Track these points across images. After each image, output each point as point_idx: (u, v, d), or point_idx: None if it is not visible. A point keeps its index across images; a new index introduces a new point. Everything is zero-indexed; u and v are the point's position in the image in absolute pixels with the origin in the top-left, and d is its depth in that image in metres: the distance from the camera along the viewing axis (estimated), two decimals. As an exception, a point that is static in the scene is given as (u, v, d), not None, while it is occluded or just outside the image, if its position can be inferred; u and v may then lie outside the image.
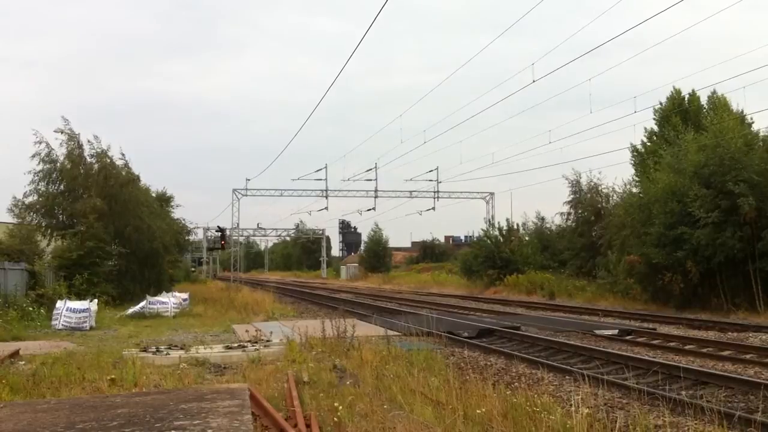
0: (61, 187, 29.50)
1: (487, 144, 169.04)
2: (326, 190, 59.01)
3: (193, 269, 77.04)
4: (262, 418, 7.24)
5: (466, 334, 16.57)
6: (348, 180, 58.84)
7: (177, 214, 44.00)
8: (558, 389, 10.29)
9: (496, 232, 43.48)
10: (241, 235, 77.41)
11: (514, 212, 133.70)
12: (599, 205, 36.60)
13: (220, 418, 5.40)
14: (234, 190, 60.82)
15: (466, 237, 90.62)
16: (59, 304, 19.38)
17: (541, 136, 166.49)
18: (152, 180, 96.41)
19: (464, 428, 6.49)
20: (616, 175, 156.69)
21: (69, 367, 10.71)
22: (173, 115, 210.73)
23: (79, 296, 22.35)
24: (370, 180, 58.57)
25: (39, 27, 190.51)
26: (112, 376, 9.86)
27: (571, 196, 38.51)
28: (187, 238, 48.10)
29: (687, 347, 14.51)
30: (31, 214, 29.17)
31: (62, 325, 18.57)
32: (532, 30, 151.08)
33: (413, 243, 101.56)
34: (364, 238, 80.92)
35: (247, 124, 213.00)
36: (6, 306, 20.33)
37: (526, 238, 44.83)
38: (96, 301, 20.93)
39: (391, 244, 78.39)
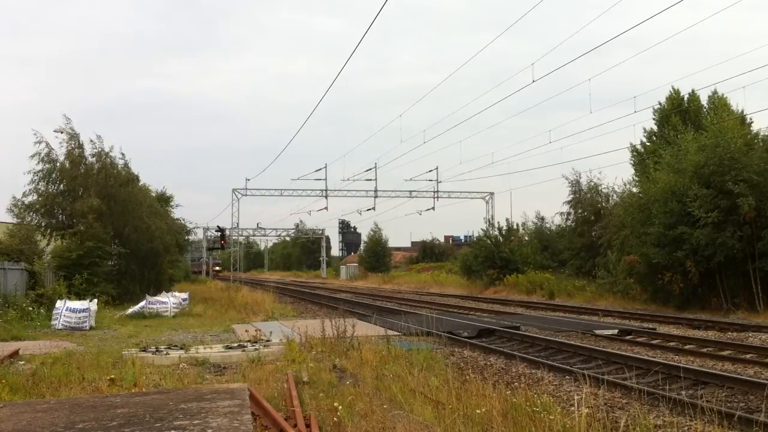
0: (61, 186, 29.49)
1: (487, 144, 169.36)
2: (326, 190, 59.04)
3: (217, 268, 76.21)
4: (262, 418, 7.23)
5: (465, 334, 16.57)
6: (348, 180, 58.94)
7: (177, 214, 44.08)
8: (558, 389, 10.29)
9: (496, 232, 43.45)
10: (241, 235, 77.41)
11: (514, 212, 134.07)
12: (599, 205, 36.58)
13: (220, 418, 5.39)
14: (234, 190, 60.86)
15: (465, 237, 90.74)
16: (59, 303, 19.38)
17: (541, 136, 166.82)
18: (152, 180, 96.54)
19: (464, 428, 6.48)
20: (616, 175, 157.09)
21: (69, 367, 10.71)
22: (173, 115, 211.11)
23: (79, 296, 22.36)
24: (370, 180, 58.64)
25: (39, 26, 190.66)
26: (112, 376, 9.85)
27: (571, 196, 38.50)
28: (186, 238, 48.07)
29: (687, 347, 14.51)
30: (31, 213, 29.15)
31: (62, 324, 18.56)
32: (533, 30, 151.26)
33: (413, 243, 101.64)
34: (364, 238, 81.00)
35: (247, 124, 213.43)
36: (6, 306, 20.34)
37: (526, 238, 44.81)
38: (96, 301, 20.92)
39: (391, 244, 78.50)
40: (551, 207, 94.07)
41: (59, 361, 11.45)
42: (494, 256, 41.00)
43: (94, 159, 30.36)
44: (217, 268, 78.27)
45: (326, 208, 60.56)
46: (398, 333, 15.84)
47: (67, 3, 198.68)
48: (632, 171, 37.69)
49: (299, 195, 62.16)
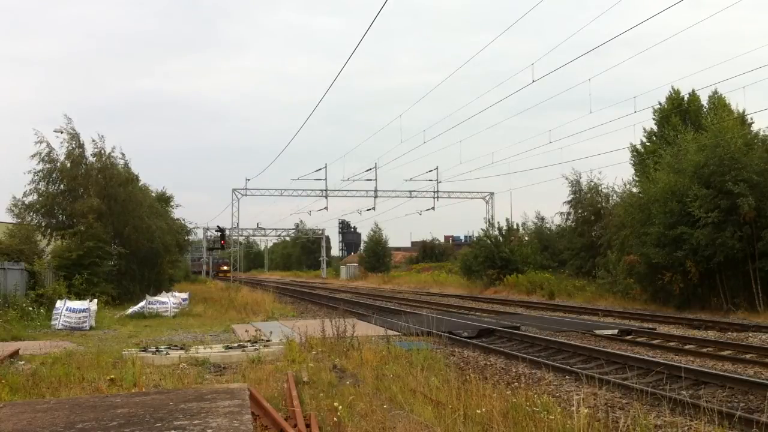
0: (61, 186, 29.48)
1: (487, 144, 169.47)
2: (326, 190, 59.08)
3: (225, 268, 75.53)
4: (262, 418, 7.23)
5: (466, 334, 16.56)
6: (348, 180, 59.05)
7: (177, 214, 44.06)
8: (558, 389, 10.29)
9: (496, 232, 43.46)
10: (241, 235, 77.40)
11: (514, 212, 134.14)
12: (599, 205, 36.57)
13: (220, 418, 5.39)
14: (234, 190, 60.91)
15: (465, 237, 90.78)
16: (59, 303, 19.38)
17: (541, 136, 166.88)
18: (152, 180, 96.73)
19: (464, 428, 6.48)
20: (616, 175, 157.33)
21: (68, 367, 10.71)
22: (173, 114, 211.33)
23: (79, 296, 22.35)
24: (370, 180, 58.72)
25: (39, 26, 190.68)
26: (112, 376, 9.85)
27: (571, 196, 38.47)
28: (186, 238, 48.07)
29: (687, 347, 14.51)
30: (31, 213, 29.14)
31: (62, 324, 18.56)
32: (533, 30, 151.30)
33: (413, 243, 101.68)
34: (364, 238, 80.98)
35: (247, 124, 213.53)
36: (6, 306, 20.33)
37: (526, 238, 44.79)
38: (96, 301, 20.92)
39: (391, 244, 78.50)
40: (551, 207, 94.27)
41: (59, 361, 11.45)
42: (494, 256, 41.00)
43: (94, 159, 30.38)
44: (225, 267, 77.52)
45: (326, 208, 60.68)
46: (398, 333, 15.83)
47: (67, 3, 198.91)
48: (632, 171, 37.71)
49: (299, 195, 62.25)
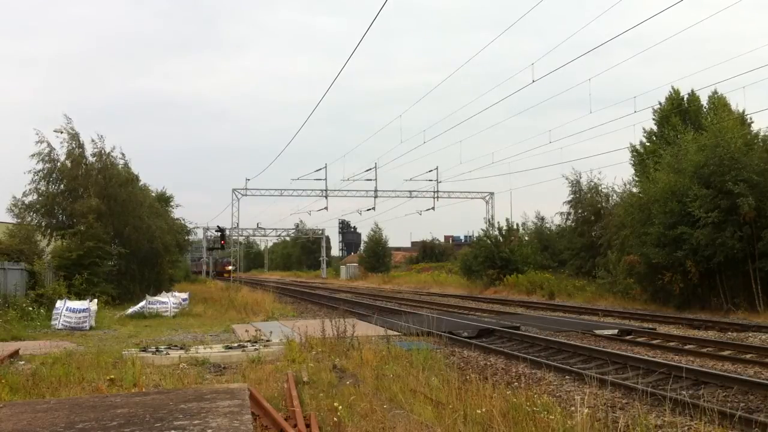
0: (61, 186, 29.49)
1: (487, 144, 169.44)
2: (326, 190, 59.09)
3: (230, 268, 75.01)
4: (262, 418, 7.23)
5: (466, 334, 16.57)
6: (348, 180, 59.01)
7: (177, 214, 44.05)
8: (558, 389, 10.29)
9: (496, 232, 43.46)
10: (241, 235, 77.36)
11: (514, 212, 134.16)
12: (599, 205, 36.58)
13: (220, 418, 5.39)
14: (234, 190, 60.91)
15: (465, 237, 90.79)
16: (59, 303, 19.38)
17: (541, 136, 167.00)
18: (152, 180, 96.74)
19: (464, 428, 6.48)
20: (616, 175, 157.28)
21: (68, 367, 10.70)
22: (173, 115, 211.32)
23: (79, 296, 22.35)
24: (370, 180, 58.73)
25: (38, 26, 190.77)
26: (112, 376, 9.85)
27: (571, 196, 38.48)
28: (186, 238, 48.04)
29: (687, 347, 14.51)
30: (31, 213, 29.15)
31: (62, 324, 18.56)
32: (533, 29, 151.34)
33: (413, 243, 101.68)
34: (364, 238, 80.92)
35: (247, 124, 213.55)
36: (6, 306, 20.33)
37: (526, 238, 44.81)
38: (96, 300, 20.92)
39: (391, 244, 78.44)
40: (551, 207, 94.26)
41: (59, 361, 11.45)
42: (494, 256, 41.00)
43: (94, 159, 30.38)
44: (230, 267, 77.14)
45: (326, 208, 60.69)
46: (398, 333, 15.83)
47: (67, 3, 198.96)
48: (632, 171, 37.72)
49: (299, 195, 62.26)
